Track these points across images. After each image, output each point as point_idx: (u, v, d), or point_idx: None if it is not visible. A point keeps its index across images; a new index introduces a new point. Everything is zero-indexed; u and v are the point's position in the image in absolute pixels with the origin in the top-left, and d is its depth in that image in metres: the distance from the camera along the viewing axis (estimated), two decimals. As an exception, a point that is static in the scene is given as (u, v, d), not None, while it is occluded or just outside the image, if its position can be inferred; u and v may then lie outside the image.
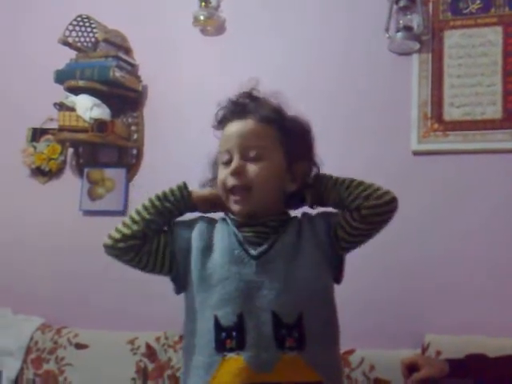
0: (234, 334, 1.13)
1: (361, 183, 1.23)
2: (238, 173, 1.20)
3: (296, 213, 1.31)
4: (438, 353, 1.73)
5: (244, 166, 1.20)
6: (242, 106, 1.26)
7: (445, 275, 1.92)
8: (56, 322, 2.19)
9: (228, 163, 1.22)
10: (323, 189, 1.24)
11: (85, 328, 2.14)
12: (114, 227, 1.29)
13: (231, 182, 1.21)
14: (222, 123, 1.28)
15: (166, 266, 1.27)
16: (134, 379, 1.98)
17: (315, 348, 1.15)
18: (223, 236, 1.23)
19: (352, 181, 1.23)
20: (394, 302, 1.92)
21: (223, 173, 1.23)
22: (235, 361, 1.13)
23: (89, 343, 2.07)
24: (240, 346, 1.13)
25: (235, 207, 1.22)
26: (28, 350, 2.11)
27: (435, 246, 1.95)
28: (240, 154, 1.21)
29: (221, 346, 1.14)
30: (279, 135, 1.24)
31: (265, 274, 1.17)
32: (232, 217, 1.27)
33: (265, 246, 1.20)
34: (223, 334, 1.14)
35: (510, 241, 1.89)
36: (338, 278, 1.26)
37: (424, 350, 1.77)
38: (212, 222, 1.28)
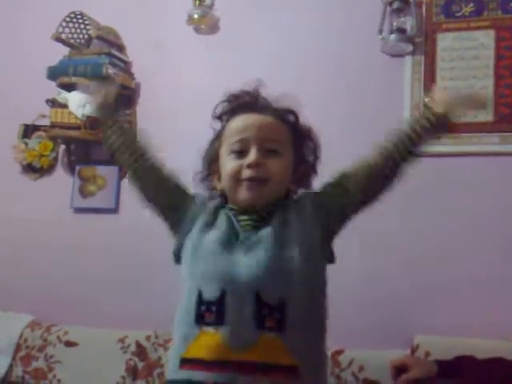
0: (213, 308, 1.12)
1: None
2: (257, 165, 1.18)
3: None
4: (427, 354, 1.73)
5: (263, 159, 1.19)
6: (259, 100, 1.26)
7: (434, 276, 1.93)
8: (46, 320, 2.19)
9: (241, 153, 1.20)
10: None
11: (74, 326, 2.13)
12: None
13: (248, 173, 1.18)
14: (229, 115, 1.28)
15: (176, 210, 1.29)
16: (123, 377, 1.97)
17: (296, 332, 1.13)
18: (225, 219, 1.22)
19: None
20: (383, 302, 1.93)
21: (235, 163, 1.20)
22: (212, 335, 1.11)
23: (78, 341, 2.07)
24: (219, 322, 1.12)
25: (247, 194, 1.20)
26: (17, 348, 2.10)
27: (425, 247, 1.96)
28: (258, 146, 1.19)
29: (199, 319, 1.13)
30: (292, 136, 1.25)
31: (251, 255, 1.15)
32: (230, 206, 1.25)
33: (254, 231, 1.19)
34: (203, 308, 1.13)
35: (501, 243, 1.90)
36: (331, 258, 1.25)
37: (413, 350, 1.78)
38: (222, 206, 1.26)
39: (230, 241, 1.19)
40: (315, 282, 1.20)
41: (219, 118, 1.29)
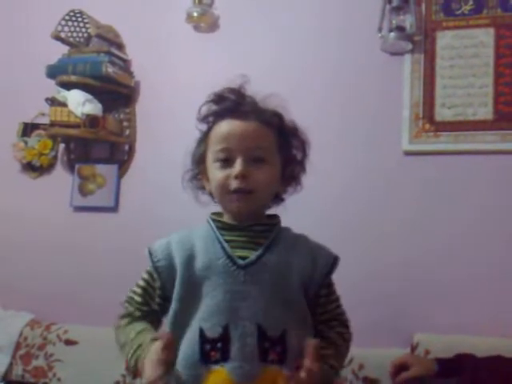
0: (218, 345, 1.12)
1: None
2: (243, 176, 1.16)
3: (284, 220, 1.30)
4: (427, 352, 1.74)
5: (249, 169, 1.17)
6: (242, 104, 1.22)
7: (434, 275, 1.93)
8: (45, 318, 2.19)
9: (226, 162, 1.18)
10: None
11: (74, 324, 2.13)
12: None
13: (235, 185, 1.17)
14: (211, 118, 1.25)
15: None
16: (123, 376, 1.97)
17: (295, 362, 1.13)
18: (206, 243, 1.20)
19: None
20: (383, 301, 1.93)
21: (222, 173, 1.18)
22: (219, 373, 1.11)
23: (78, 339, 2.07)
24: (224, 358, 1.11)
25: (235, 206, 1.19)
26: (17, 346, 2.11)
27: (425, 246, 1.96)
28: (243, 157, 1.17)
29: (205, 358, 1.12)
30: (278, 139, 1.23)
31: (252, 284, 1.15)
32: (214, 218, 1.24)
33: (253, 257, 1.17)
34: (207, 346, 1.13)
35: (501, 241, 1.90)
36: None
37: (413, 349, 1.78)
38: (191, 231, 1.25)
39: (223, 266, 1.16)
40: (307, 318, 1.21)
41: (204, 119, 1.26)
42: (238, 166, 1.16)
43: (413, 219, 1.99)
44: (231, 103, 1.23)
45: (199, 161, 1.27)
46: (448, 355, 1.56)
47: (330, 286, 1.25)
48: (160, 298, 1.23)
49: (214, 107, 1.25)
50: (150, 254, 1.24)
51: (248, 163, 1.17)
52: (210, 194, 1.27)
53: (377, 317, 1.91)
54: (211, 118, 1.25)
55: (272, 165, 1.20)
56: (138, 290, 1.25)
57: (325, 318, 1.23)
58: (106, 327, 2.07)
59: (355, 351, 1.76)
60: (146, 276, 1.25)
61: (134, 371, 1.17)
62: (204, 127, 1.27)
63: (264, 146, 1.20)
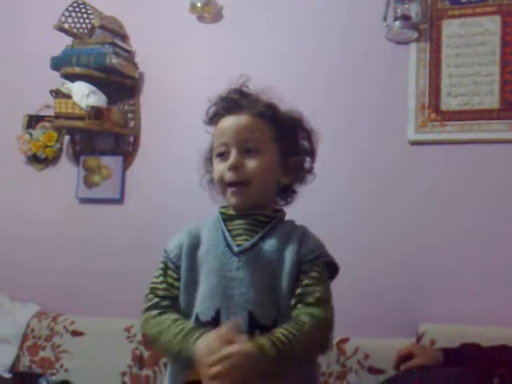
0: (210, 328, 1.13)
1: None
2: (236, 168, 1.21)
3: (289, 214, 1.31)
4: (433, 342, 1.74)
5: (242, 161, 1.21)
6: (235, 101, 1.27)
7: (440, 265, 1.93)
8: (52, 310, 2.20)
9: (224, 156, 1.24)
10: None
11: (81, 315, 2.14)
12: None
13: (229, 177, 1.22)
14: (214, 119, 1.30)
15: None
16: (130, 366, 1.99)
17: None
18: (210, 233, 1.25)
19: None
20: (388, 291, 1.93)
21: (220, 166, 1.24)
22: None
23: (85, 330, 2.08)
24: None
25: (233, 199, 1.23)
26: (24, 337, 2.12)
27: (431, 235, 1.95)
28: (237, 148, 1.22)
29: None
30: (273, 130, 1.26)
31: (245, 271, 1.18)
32: (222, 210, 1.28)
33: (247, 244, 1.20)
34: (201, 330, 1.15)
35: (508, 231, 1.89)
36: None
37: (418, 339, 1.78)
38: (202, 222, 1.29)
39: (222, 253, 1.20)
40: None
41: (210, 122, 1.31)
42: (231, 157, 1.22)
43: (419, 209, 1.98)
44: (228, 102, 1.28)
45: (207, 160, 1.33)
46: (453, 345, 1.56)
47: (309, 271, 1.19)
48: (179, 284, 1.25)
49: (215, 109, 1.30)
50: (167, 245, 1.29)
51: (241, 155, 1.22)
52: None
53: (382, 308, 1.91)
54: (215, 119, 1.30)
55: (266, 154, 1.24)
56: (159, 280, 1.27)
57: (299, 291, 1.18)
58: (112, 318, 2.11)
59: (360, 341, 1.79)
60: (162, 266, 1.28)
61: (177, 356, 1.16)
62: (212, 129, 1.32)
63: (256, 138, 1.24)
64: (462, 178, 1.96)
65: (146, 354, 1.99)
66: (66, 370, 2.04)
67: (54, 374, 2.04)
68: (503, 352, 1.50)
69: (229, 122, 1.25)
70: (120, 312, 2.10)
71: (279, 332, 1.11)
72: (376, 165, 2.04)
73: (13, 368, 2.09)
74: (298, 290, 1.18)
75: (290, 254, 1.20)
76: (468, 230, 1.93)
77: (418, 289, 1.92)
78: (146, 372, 1.98)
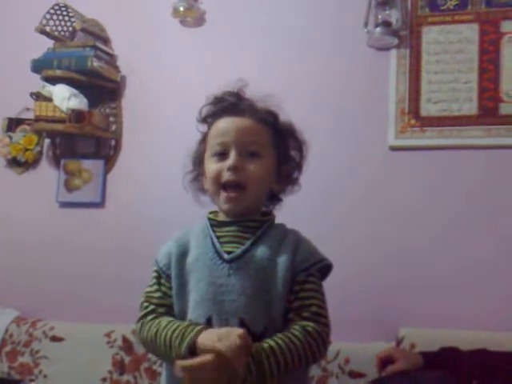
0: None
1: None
2: (236, 168, 1.19)
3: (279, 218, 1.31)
4: (412, 346, 1.75)
5: (242, 162, 1.20)
6: (234, 104, 1.27)
7: (420, 269, 1.94)
8: (31, 315, 2.17)
9: (221, 156, 1.22)
10: None
11: (61, 321, 2.12)
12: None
13: (227, 177, 1.20)
14: (209, 118, 1.29)
15: None
16: (110, 372, 1.97)
17: None
18: (198, 240, 1.24)
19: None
20: (368, 295, 1.94)
21: (216, 166, 1.22)
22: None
23: (64, 336, 2.06)
24: None
25: (225, 206, 1.22)
26: (3, 343, 2.09)
27: (411, 240, 1.97)
28: (238, 150, 1.21)
29: None
30: (272, 137, 1.26)
31: (236, 278, 1.17)
32: (210, 216, 1.28)
33: (239, 251, 1.19)
34: None
35: (487, 235, 1.92)
36: None
37: (398, 342, 1.79)
38: (189, 229, 1.29)
39: (211, 259, 1.20)
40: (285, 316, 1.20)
41: (203, 121, 1.30)
42: (231, 157, 1.20)
43: (399, 214, 2.00)
44: (228, 103, 1.27)
45: (199, 161, 1.31)
46: (433, 349, 1.58)
47: (304, 282, 1.19)
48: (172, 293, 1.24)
49: (212, 108, 1.29)
50: (157, 255, 1.28)
51: (242, 157, 1.21)
52: (210, 194, 1.29)
53: (362, 311, 1.92)
54: (210, 119, 1.29)
55: (266, 161, 1.24)
56: (153, 288, 1.26)
57: (295, 305, 1.18)
58: (92, 323, 2.09)
59: (341, 345, 1.79)
60: (155, 274, 1.28)
61: (177, 351, 1.13)
62: (204, 129, 1.31)
63: (259, 142, 1.24)
64: (442, 183, 1.98)
65: (127, 359, 1.97)
66: (45, 376, 2.02)
67: (32, 380, 2.01)
68: (483, 356, 1.52)
69: (230, 122, 1.24)
70: (100, 317, 2.09)
71: (267, 343, 1.11)
72: (356, 170, 2.06)
73: (-9, 374, 2.07)
74: (295, 304, 1.18)
75: (283, 260, 1.19)
76: (447, 235, 1.95)
77: (397, 293, 1.94)
78: (126, 377, 1.96)
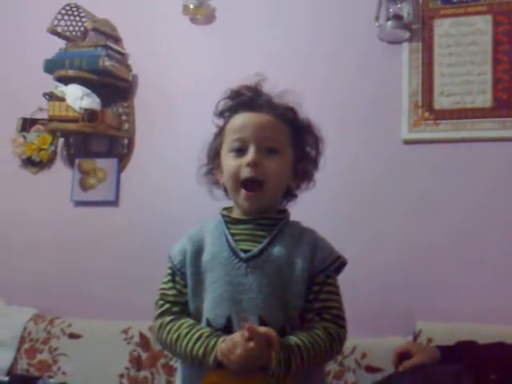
0: (223, 336, 1.13)
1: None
2: (255, 164, 1.18)
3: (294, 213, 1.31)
4: (430, 340, 1.75)
5: (261, 158, 1.19)
6: (252, 99, 1.25)
7: (436, 263, 1.94)
8: (49, 313, 2.20)
9: (240, 152, 1.21)
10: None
11: (78, 318, 2.14)
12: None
13: (246, 173, 1.19)
14: (227, 113, 1.28)
15: None
16: (127, 368, 1.99)
17: None
18: (213, 237, 1.23)
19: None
20: (385, 290, 1.94)
21: (235, 162, 1.21)
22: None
23: (82, 333, 2.08)
24: None
25: (245, 203, 1.21)
26: (21, 341, 2.11)
27: (426, 234, 1.96)
28: (257, 146, 1.19)
29: None
30: (291, 133, 1.25)
31: (254, 276, 1.17)
32: (224, 213, 1.27)
33: (256, 250, 1.19)
34: None
35: (503, 229, 1.91)
36: None
37: (415, 337, 1.79)
38: (203, 225, 1.28)
39: (227, 259, 1.19)
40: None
41: (221, 114, 1.29)
42: (250, 153, 1.19)
43: (413, 208, 1.99)
44: (246, 98, 1.26)
45: (214, 155, 1.29)
46: (450, 343, 1.57)
47: (324, 284, 1.20)
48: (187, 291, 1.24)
49: (229, 102, 1.28)
50: (170, 252, 1.27)
51: (261, 153, 1.20)
52: (224, 189, 1.29)
53: (379, 306, 1.92)
54: (227, 113, 1.28)
55: (284, 157, 1.23)
56: (168, 286, 1.26)
57: (316, 306, 1.19)
58: (109, 320, 2.11)
59: (358, 340, 1.79)
60: (169, 271, 1.27)
61: (200, 360, 1.14)
62: (220, 122, 1.30)
63: (278, 138, 1.23)
64: (456, 176, 1.97)
65: (144, 355, 1.99)
66: (64, 373, 2.04)
67: (51, 377, 2.03)
68: (500, 349, 1.51)
69: (248, 117, 1.23)
70: (117, 314, 2.11)
71: (293, 340, 1.12)
72: (370, 164, 2.05)
73: (10, 371, 2.09)
74: (316, 305, 1.19)
75: (301, 260, 1.19)
76: (463, 228, 1.94)
77: (414, 287, 1.93)
78: (143, 374, 1.98)
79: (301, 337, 1.14)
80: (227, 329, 1.15)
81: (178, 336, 1.17)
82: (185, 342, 1.16)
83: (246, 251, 1.19)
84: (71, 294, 2.26)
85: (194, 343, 1.14)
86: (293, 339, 1.13)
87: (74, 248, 2.32)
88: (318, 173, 1.33)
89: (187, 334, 1.16)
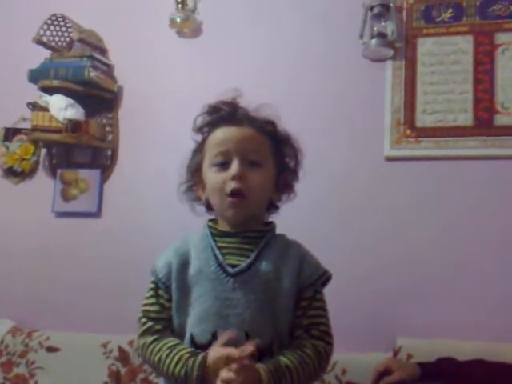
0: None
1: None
2: (239, 178, 1.19)
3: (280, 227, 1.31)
4: (410, 356, 1.75)
5: (245, 171, 1.20)
6: (234, 113, 1.27)
7: (416, 278, 1.95)
8: (27, 325, 2.16)
9: (223, 166, 1.21)
10: None
11: (56, 331, 2.11)
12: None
13: (232, 185, 1.19)
14: (206, 128, 1.28)
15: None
16: (106, 383, 1.96)
17: None
18: (198, 251, 1.23)
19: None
20: (365, 305, 1.95)
21: (219, 176, 1.21)
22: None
23: (60, 346, 2.04)
24: None
25: (230, 211, 1.21)
26: (-2, 354, 2.08)
27: (406, 250, 1.98)
28: (240, 159, 1.21)
29: None
30: (272, 146, 1.27)
31: (241, 291, 1.17)
32: (210, 224, 1.27)
33: (244, 265, 1.19)
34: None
35: (481, 246, 1.92)
36: None
37: (395, 353, 1.79)
38: (187, 238, 1.28)
39: (214, 273, 1.19)
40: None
41: (199, 130, 1.30)
42: (234, 166, 1.20)
43: (394, 224, 2.00)
44: (225, 113, 1.27)
45: (194, 171, 1.30)
46: (431, 359, 1.58)
47: (312, 299, 1.22)
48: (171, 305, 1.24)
49: (208, 118, 1.29)
50: (155, 266, 1.27)
51: (244, 166, 1.20)
52: (205, 204, 1.29)
53: (359, 321, 1.92)
54: (206, 129, 1.29)
55: (266, 170, 1.24)
56: (150, 301, 1.25)
57: (305, 323, 1.20)
58: (88, 334, 2.08)
59: (338, 356, 1.76)
60: (152, 286, 1.26)
61: (183, 381, 1.14)
62: (199, 138, 1.31)
63: (260, 151, 1.24)
64: (437, 193, 1.99)
65: (123, 370, 1.96)
66: (41, 387, 2.01)
67: (28, 391, 2.00)
68: (480, 366, 1.52)
69: (229, 132, 1.24)
70: (96, 328, 2.08)
71: (283, 361, 1.12)
72: (352, 180, 2.06)
73: (-14, 385, 2.06)
74: (304, 322, 1.19)
75: (288, 274, 1.20)
76: (443, 245, 1.95)
77: (394, 302, 1.94)
78: (124, 387, 1.95)
79: (290, 357, 1.14)
80: (212, 345, 1.14)
81: (160, 358, 1.17)
82: (166, 363, 1.15)
83: (233, 266, 1.19)
84: (51, 306, 2.23)
85: (175, 366, 1.14)
86: (283, 360, 1.13)
87: (54, 259, 2.29)
88: (298, 186, 1.34)
89: (168, 355, 1.16)
